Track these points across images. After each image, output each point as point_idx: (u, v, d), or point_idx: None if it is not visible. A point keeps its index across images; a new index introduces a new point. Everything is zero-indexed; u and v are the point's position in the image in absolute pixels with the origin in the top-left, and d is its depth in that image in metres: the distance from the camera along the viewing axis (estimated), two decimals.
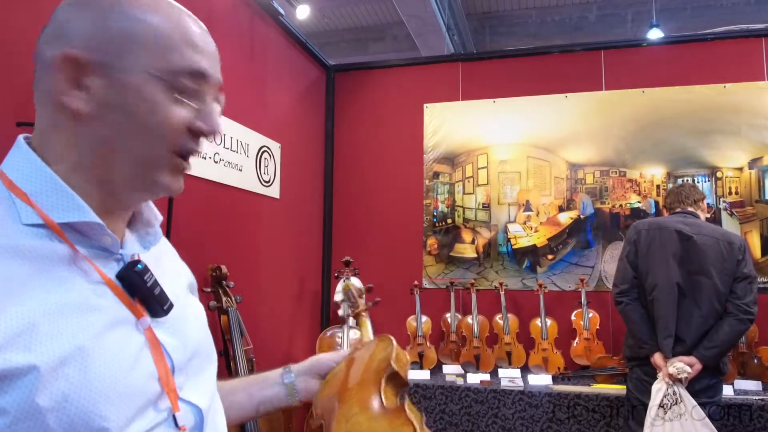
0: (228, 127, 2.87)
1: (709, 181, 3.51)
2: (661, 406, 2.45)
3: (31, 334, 0.56)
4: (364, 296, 1.17)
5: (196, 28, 0.71)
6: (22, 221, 0.62)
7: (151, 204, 0.78)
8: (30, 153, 0.66)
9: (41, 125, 0.68)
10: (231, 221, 2.92)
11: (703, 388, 2.49)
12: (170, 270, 0.81)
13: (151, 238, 0.76)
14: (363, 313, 1.10)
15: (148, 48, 0.66)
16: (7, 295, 0.56)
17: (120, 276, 0.67)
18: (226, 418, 0.84)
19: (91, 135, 0.66)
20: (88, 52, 0.64)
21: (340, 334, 3.40)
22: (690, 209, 2.70)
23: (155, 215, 0.78)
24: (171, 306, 0.71)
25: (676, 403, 2.43)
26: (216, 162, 2.76)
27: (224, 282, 2.50)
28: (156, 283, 0.69)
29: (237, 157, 2.95)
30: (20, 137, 0.68)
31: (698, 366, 2.46)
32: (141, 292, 0.68)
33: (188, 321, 0.77)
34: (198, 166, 2.60)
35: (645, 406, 2.52)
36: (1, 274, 0.57)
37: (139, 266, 0.68)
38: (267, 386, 0.98)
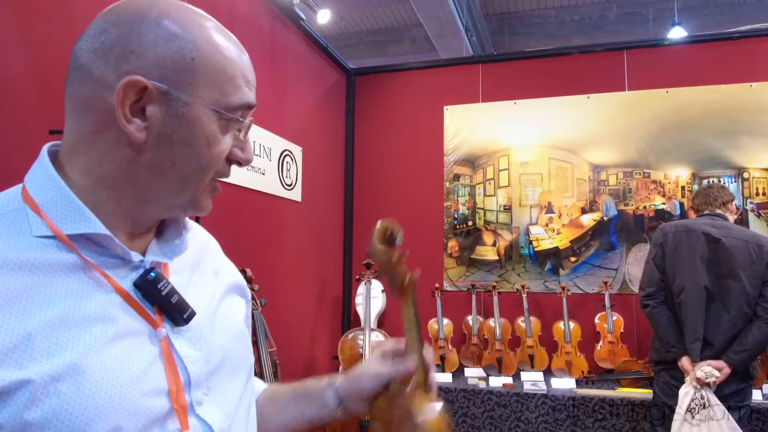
0: (251, 131, 2.89)
1: (735, 181, 3.45)
2: (688, 410, 2.41)
3: (26, 349, 0.55)
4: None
5: (247, 59, 0.71)
6: (32, 233, 0.61)
7: None
8: (46, 163, 0.65)
9: (74, 136, 0.66)
10: (254, 225, 2.94)
11: (731, 392, 2.45)
12: (209, 273, 0.79)
13: (176, 248, 0.73)
14: (408, 286, 0.84)
15: (212, 82, 0.65)
16: (4, 309, 0.56)
17: (137, 285, 0.65)
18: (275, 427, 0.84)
19: (138, 160, 0.65)
20: (154, 79, 0.62)
21: (361, 337, 3.41)
22: (718, 211, 2.66)
23: (185, 225, 0.76)
24: (192, 314, 0.68)
25: (703, 407, 2.39)
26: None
27: (249, 285, 2.52)
28: (173, 291, 0.66)
29: (260, 161, 2.97)
30: (44, 147, 0.68)
31: (727, 370, 2.42)
32: (158, 301, 0.66)
33: (216, 328, 0.73)
34: None
35: (672, 410, 2.49)
36: (1, 287, 0.57)
37: (152, 274, 0.65)
38: (316, 404, 0.90)
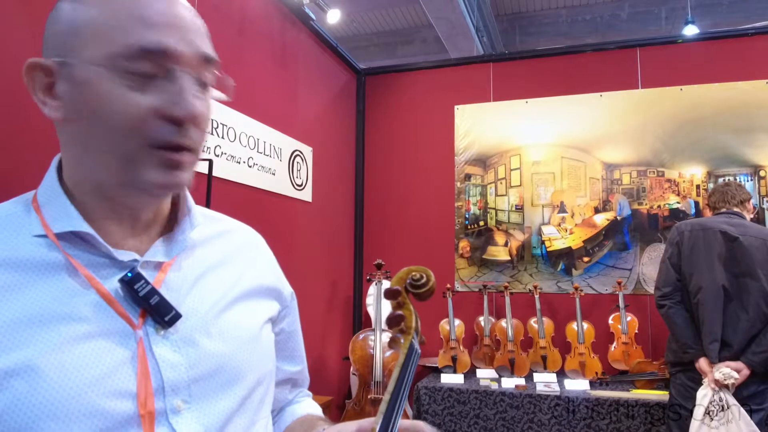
0: (261, 131, 2.89)
1: (751, 180, 3.39)
2: (706, 413, 2.37)
3: None
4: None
5: (156, 3, 0.62)
6: (31, 232, 0.63)
7: (192, 210, 0.74)
8: (52, 167, 0.68)
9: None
10: (264, 225, 2.93)
11: (750, 394, 2.40)
12: (231, 273, 0.76)
13: (178, 246, 0.71)
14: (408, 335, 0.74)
15: (92, 37, 0.60)
16: None
17: (121, 286, 0.64)
18: None
19: (72, 140, 0.65)
20: (49, 56, 0.63)
21: (372, 337, 3.39)
22: (735, 209, 2.61)
23: (191, 223, 0.73)
24: (176, 317, 0.64)
25: (722, 410, 2.34)
26: (250, 166, 2.78)
27: None
28: (153, 292, 0.63)
29: (270, 161, 2.97)
30: (58, 155, 0.70)
31: (746, 372, 2.37)
32: (139, 303, 0.63)
33: (215, 334, 0.68)
34: (232, 171, 2.63)
35: (689, 413, 2.45)
36: None
37: (129, 274, 0.63)
38: None
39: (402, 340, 0.72)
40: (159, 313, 0.64)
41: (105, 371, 0.59)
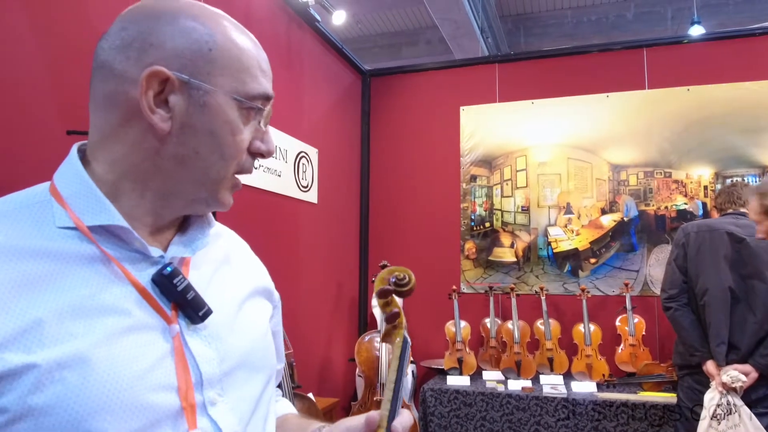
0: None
1: (759, 180, 3.37)
2: (714, 416, 2.35)
3: (35, 334, 0.56)
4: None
5: (262, 52, 0.73)
6: (56, 224, 0.63)
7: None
8: (74, 159, 0.68)
9: (99, 133, 0.67)
10: (270, 226, 2.94)
11: (759, 397, 2.38)
12: (235, 273, 0.79)
13: (199, 242, 0.73)
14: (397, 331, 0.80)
15: (230, 72, 0.67)
16: (18, 294, 0.57)
17: (155, 280, 0.65)
18: None
19: (162, 151, 0.66)
20: (175, 69, 0.64)
21: (378, 339, 3.38)
22: (743, 210, 2.59)
23: (209, 221, 0.77)
24: (208, 312, 0.67)
25: (730, 413, 2.33)
26: (255, 168, 2.77)
27: None
28: (189, 288, 0.66)
29: (276, 162, 2.97)
30: (75, 146, 0.70)
31: (754, 375, 2.35)
32: (174, 297, 0.66)
33: (236, 329, 0.72)
34: None
35: (697, 416, 2.43)
36: (17, 273, 0.58)
37: (169, 269, 0.65)
38: None
39: (396, 334, 0.79)
40: (193, 308, 0.66)
41: (149, 364, 0.61)
